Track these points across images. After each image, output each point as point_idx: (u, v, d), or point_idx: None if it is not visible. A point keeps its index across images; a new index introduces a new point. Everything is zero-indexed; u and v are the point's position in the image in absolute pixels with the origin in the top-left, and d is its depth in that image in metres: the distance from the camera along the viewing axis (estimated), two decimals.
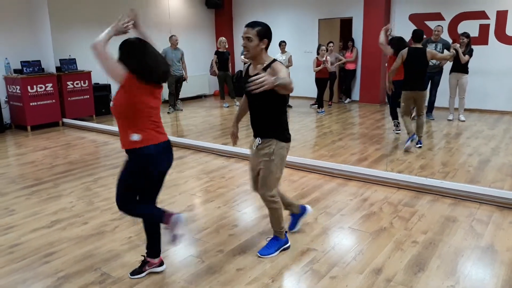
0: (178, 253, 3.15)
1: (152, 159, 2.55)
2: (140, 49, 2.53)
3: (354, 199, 4.14)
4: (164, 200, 4.18)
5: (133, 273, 2.84)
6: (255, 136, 3.00)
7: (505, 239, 3.29)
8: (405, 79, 5.84)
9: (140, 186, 2.63)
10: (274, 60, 2.87)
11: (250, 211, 3.93)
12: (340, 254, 3.09)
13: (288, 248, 3.18)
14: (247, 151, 5.63)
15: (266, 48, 2.84)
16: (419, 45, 5.82)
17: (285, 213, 3.37)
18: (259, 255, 3.07)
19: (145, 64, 2.48)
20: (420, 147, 5.88)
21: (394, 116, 6.77)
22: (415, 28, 9.11)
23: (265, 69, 2.80)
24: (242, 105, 3.24)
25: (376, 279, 2.76)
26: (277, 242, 3.14)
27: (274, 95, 2.75)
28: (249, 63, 3.02)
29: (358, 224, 3.60)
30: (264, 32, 2.79)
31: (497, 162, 5.23)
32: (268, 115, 2.90)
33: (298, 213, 3.44)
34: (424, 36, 8.33)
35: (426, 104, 6.79)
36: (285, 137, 2.95)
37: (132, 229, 3.54)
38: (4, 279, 2.82)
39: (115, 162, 5.53)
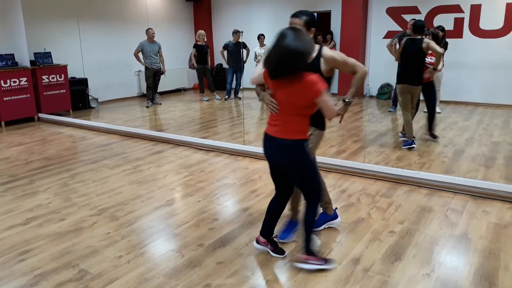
0: (158, 248, 3.14)
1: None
2: None
3: (332, 191, 4.19)
4: (142, 195, 4.15)
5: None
6: None
7: (478, 227, 3.39)
8: (400, 72, 5.59)
9: None
10: (321, 47, 2.86)
11: (230, 205, 3.93)
12: (319, 245, 3.13)
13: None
14: (226, 144, 5.64)
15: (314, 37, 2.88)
16: (419, 37, 5.34)
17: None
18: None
19: None
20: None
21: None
22: (392, 21, 9.25)
23: (317, 58, 2.80)
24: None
25: (354, 269, 2.81)
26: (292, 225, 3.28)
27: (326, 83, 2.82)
28: None
29: None
30: (312, 22, 2.83)
31: (471, 153, 5.36)
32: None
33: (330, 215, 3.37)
34: (401, 29, 8.47)
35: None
36: (323, 126, 3.10)
37: (111, 224, 3.50)
38: None
39: (93, 157, 5.45)
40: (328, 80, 2.88)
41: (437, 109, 7.87)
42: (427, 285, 2.62)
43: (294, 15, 2.84)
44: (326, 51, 2.84)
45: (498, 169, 4.73)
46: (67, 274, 2.79)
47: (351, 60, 2.88)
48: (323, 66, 2.81)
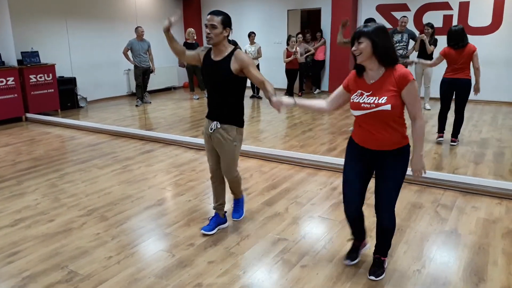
0: (148, 248, 3.11)
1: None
2: None
3: (323, 189, 4.19)
4: (132, 194, 4.12)
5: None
6: (212, 118, 3.07)
7: (467, 223, 3.41)
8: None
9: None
10: (235, 48, 3.00)
11: None
12: (310, 243, 3.13)
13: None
14: None
15: (227, 36, 2.98)
16: None
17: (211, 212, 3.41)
18: (235, 219, 3.45)
19: None
20: None
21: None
22: (382, 18, 9.28)
23: (229, 57, 2.94)
24: (189, 55, 3.19)
25: (346, 266, 2.81)
26: (240, 202, 3.53)
27: (237, 82, 2.96)
28: (208, 49, 3.11)
29: (328, 213, 3.65)
30: (227, 21, 2.93)
31: (460, 149, 5.40)
32: (229, 101, 3.01)
33: (222, 218, 3.39)
34: (391, 27, 8.49)
35: None
36: (242, 123, 3.11)
37: (100, 225, 3.46)
38: None
39: (82, 157, 5.39)
40: (241, 80, 2.98)
41: (427, 106, 7.93)
42: (418, 281, 2.63)
43: (213, 13, 2.91)
44: (239, 52, 2.98)
45: (487, 165, 4.77)
46: (56, 275, 2.75)
47: (256, 71, 2.96)
48: (233, 65, 2.92)
